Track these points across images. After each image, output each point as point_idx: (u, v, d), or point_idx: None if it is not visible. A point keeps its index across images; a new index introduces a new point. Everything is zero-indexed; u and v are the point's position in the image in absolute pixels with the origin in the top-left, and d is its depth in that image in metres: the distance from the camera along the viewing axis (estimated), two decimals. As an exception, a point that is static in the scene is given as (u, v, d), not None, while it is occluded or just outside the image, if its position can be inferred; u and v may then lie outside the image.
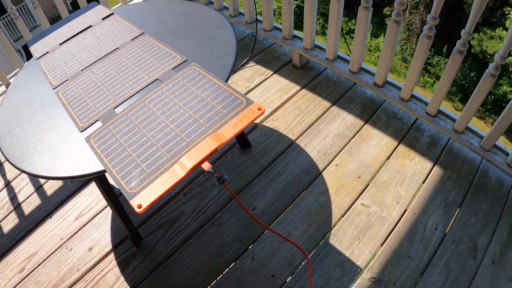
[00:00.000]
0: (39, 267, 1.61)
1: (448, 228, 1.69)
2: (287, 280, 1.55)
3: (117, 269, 1.59)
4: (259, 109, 1.05)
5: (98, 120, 1.15)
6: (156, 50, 1.38)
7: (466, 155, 1.92)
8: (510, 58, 13.62)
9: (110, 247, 1.64)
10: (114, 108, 1.18)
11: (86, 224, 1.73)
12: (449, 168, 1.87)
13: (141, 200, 0.91)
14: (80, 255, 1.63)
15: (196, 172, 1.85)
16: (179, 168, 0.95)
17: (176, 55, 1.33)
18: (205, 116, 1.08)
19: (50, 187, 1.89)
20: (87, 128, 1.14)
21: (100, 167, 1.03)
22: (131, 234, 1.61)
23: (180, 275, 1.57)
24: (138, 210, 0.88)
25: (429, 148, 1.94)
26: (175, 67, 1.28)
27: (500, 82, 13.37)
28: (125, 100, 1.21)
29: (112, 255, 1.62)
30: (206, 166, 0.99)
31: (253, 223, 1.69)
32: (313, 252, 1.62)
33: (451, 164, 1.88)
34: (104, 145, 1.07)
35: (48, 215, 1.77)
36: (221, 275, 1.56)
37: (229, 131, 1.02)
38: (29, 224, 1.75)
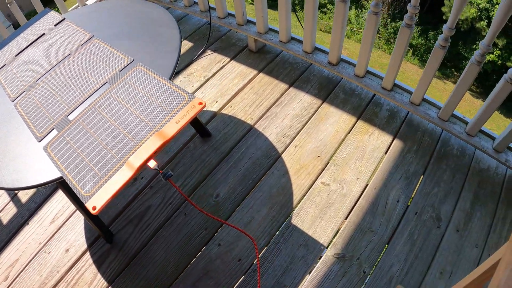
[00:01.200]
0: (22, 273, 1.56)
1: (410, 199, 1.67)
2: (254, 263, 1.52)
3: (93, 267, 1.55)
4: (200, 103, 1.06)
5: (53, 129, 1.15)
6: (105, 53, 1.34)
7: (426, 126, 1.89)
8: (482, 22, 13.65)
9: (85, 246, 1.60)
10: (68, 116, 1.17)
11: (61, 227, 1.67)
12: (409, 141, 1.84)
13: (95, 202, 0.92)
14: (58, 257, 1.58)
15: (159, 166, 1.79)
16: (128, 168, 0.97)
17: (123, 56, 1.30)
18: (150, 115, 1.08)
19: (25, 195, 1.82)
20: (44, 137, 1.14)
21: (58, 174, 1.05)
22: (103, 232, 1.57)
23: (152, 266, 1.53)
24: (93, 212, 0.90)
25: (388, 122, 1.90)
26: (123, 68, 1.26)
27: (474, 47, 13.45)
28: (77, 107, 1.19)
29: (88, 254, 1.58)
30: (152, 163, 1.00)
31: (216, 210, 1.65)
32: (277, 233, 1.58)
33: (411, 136, 1.85)
34: (60, 152, 1.07)
35: (25, 221, 1.71)
36: (190, 263, 1.53)
37: (172, 128, 1.03)
38: (8, 233, 1.69)
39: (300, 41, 2.07)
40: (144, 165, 0.99)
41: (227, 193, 1.69)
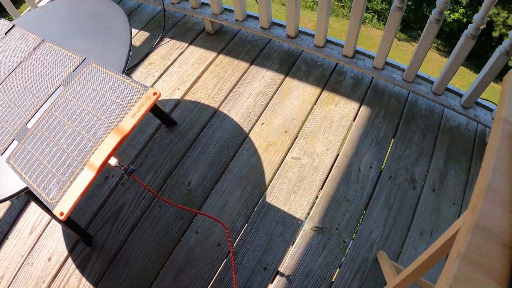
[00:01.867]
0: (9, 289, 1.50)
1: (383, 164, 1.63)
2: (234, 245, 1.47)
3: (77, 272, 1.50)
4: (155, 93, 1.04)
5: (14, 140, 1.11)
6: (57, 55, 1.28)
7: (392, 89, 1.85)
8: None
9: (66, 252, 1.54)
10: (26, 124, 1.13)
11: (40, 236, 1.60)
12: (376, 106, 1.79)
13: (62, 207, 0.91)
14: (42, 267, 1.52)
15: (128, 159, 1.71)
16: (89, 169, 0.95)
17: (75, 56, 1.24)
18: (106, 112, 1.05)
19: (0, 209, 1.74)
20: (6, 150, 1.11)
21: (24, 185, 1.03)
22: (81, 236, 1.52)
23: (134, 262, 1.48)
24: (61, 218, 0.89)
25: (353, 89, 1.85)
26: (75, 68, 1.21)
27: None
28: (34, 114, 1.15)
29: (70, 260, 1.53)
30: (112, 161, 0.98)
31: (190, 198, 1.59)
32: (252, 214, 1.53)
33: (378, 101, 1.80)
34: (22, 163, 1.05)
35: (4, 236, 1.63)
36: (170, 255, 1.49)
37: (129, 122, 1.00)
38: (-10, 251, 1.61)
39: (256, 18, 1.99)
40: (105, 163, 0.96)
41: (199, 179, 1.63)
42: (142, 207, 1.60)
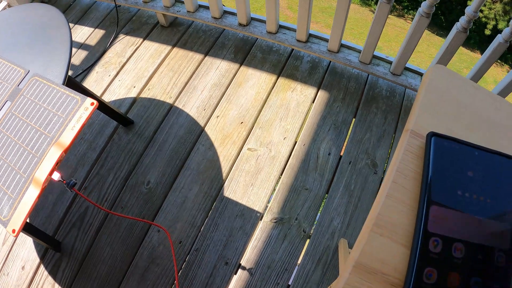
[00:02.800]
0: (-12, 301, 1.48)
1: (343, 150, 1.57)
2: (195, 242, 1.44)
3: (50, 278, 1.47)
4: (92, 104, 1.02)
5: None
6: (2, 69, 1.22)
7: (350, 72, 1.78)
8: None
9: (38, 260, 1.50)
10: None
11: (13, 246, 1.56)
12: (334, 89, 1.72)
13: (14, 225, 0.91)
14: (16, 276, 1.49)
15: (89, 163, 1.65)
16: (34, 186, 0.95)
17: (19, 69, 1.19)
18: (49, 126, 1.04)
19: None
20: None
21: None
22: (49, 243, 1.49)
23: (102, 264, 1.45)
24: (13, 235, 0.89)
25: (310, 74, 1.78)
26: (20, 82, 1.16)
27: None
28: None
29: (42, 267, 1.49)
30: (55, 176, 0.97)
31: (150, 197, 1.54)
32: (212, 209, 1.49)
33: (336, 85, 1.74)
34: None
35: None
36: (136, 254, 1.45)
37: (69, 136, 0.99)
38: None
39: (208, 8, 1.90)
40: (48, 178, 0.96)
41: (158, 177, 1.58)
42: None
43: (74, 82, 1.40)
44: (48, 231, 1.56)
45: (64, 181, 1.00)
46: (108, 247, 1.48)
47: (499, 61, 12.79)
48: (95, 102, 1.02)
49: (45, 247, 1.53)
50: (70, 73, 1.92)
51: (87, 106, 1.02)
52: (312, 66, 1.80)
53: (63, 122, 1.02)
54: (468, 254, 0.42)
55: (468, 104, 0.54)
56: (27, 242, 1.56)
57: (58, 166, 0.98)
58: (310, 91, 1.72)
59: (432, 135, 0.47)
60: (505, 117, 0.54)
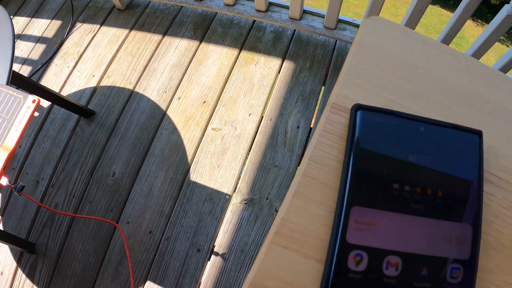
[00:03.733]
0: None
1: (312, 121, 1.46)
2: (165, 230, 1.35)
3: (28, 281, 1.40)
4: (34, 101, 0.98)
5: None
6: None
7: (317, 39, 1.65)
8: None
9: (15, 263, 1.43)
10: None
11: None
12: (300, 59, 1.60)
13: None
14: None
15: (54, 159, 1.55)
16: None
17: None
18: None
19: None
20: None
21: None
22: (23, 246, 1.42)
23: (76, 261, 1.38)
24: None
25: (274, 44, 1.65)
26: None
27: None
28: None
29: (20, 270, 1.43)
30: (3, 181, 0.93)
31: (117, 188, 1.45)
32: (179, 195, 1.39)
33: (303, 54, 1.61)
34: None
35: None
36: (108, 248, 1.37)
37: (13, 137, 0.95)
38: None
39: (162, -16, 1.76)
40: None
41: (123, 167, 1.48)
42: (74, 205, 1.47)
43: (23, 79, 1.29)
44: (21, 233, 1.48)
45: (12, 185, 0.95)
46: (80, 244, 1.41)
47: (479, 21, 12.45)
48: (37, 99, 0.97)
49: (20, 250, 1.46)
50: (29, 69, 1.80)
51: (29, 105, 0.97)
52: (276, 36, 1.67)
53: (7, 124, 0.96)
54: (407, 270, 0.30)
55: (418, 64, 0.41)
56: (2, 247, 1.49)
57: (6, 170, 0.93)
58: (274, 62, 1.60)
59: (357, 108, 0.34)
60: (470, 80, 0.41)
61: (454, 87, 0.40)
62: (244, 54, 1.63)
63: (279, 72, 1.58)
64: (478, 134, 0.35)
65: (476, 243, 0.32)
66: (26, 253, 1.45)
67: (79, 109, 1.55)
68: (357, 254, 0.30)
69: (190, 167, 1.42)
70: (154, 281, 1.33)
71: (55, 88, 1.69)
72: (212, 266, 1.29)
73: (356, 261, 0.29)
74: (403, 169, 0.32)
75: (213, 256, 1.31)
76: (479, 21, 12.42)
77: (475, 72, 0.42)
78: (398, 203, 0.31)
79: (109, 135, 1.55)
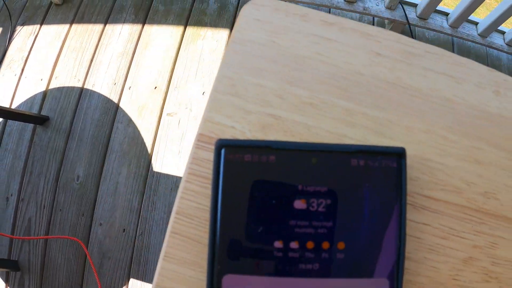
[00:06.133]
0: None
1: None
2: (137, 226, 1.27)
3: None
4: None
5: None
6: None
7: None
8: None
9: (4, 284, 1.38)
10: None
11: None
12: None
13: None
14: None
15: (18, 173, 1.46)
16: None
17: None
18: None
19: None
20: None
21: None
22: (7, 266, 1.37)
23: (59, 271, 1.32)
24: None
25: (219, 15, 1.51)
26: None
27: None
28: None
29: None
30: None
31: (84, 192, 1.36)
32: (146, 188, 1.31)
33: (251, 17, 1.47)
34: None
35: None
36: (86, 254, 1.30)
37: None
38: None
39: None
40: None
41: (86, 170, 1.38)
42: (47, 216, 1.39)
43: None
44: (2, 253, 1.41)
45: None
46: (59, 253, 1.34)
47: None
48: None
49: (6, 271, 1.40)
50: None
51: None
52: (221, 5, 1.53)
53: None
54: None
55: (315, 58, 0.30)
56: (-12, 272, 1.43)
57: None
58: (222, 34, 1.46)
59: (220, 145, 0.25)
60: (391, 66, 0.30)
61: (366, 83, 0.29)
62: (190, 30, 1.49)
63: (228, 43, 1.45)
64: (399, 153, 0.25)
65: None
66: (12, 271, 1.39)
67: (32, 118, 1.44)
68: None
69: (151, 158, 1.32)
70: (137, 277, 1.27)
71: (6, 100, 1.57)
72: (190, 254, 1.22)
73: None
74: (287, 221, 0.23)
75: (189, 244, 1.23)
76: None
77: (397, 54, 0.30)
78: (283, 265, 0.22)
79: (66, 138, 1.44)
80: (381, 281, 0.23)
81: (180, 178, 1.28)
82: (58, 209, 1.38)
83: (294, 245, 0.23)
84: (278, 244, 0.22)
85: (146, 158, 1.32)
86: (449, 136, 0.29)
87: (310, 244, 0.23)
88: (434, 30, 1.46)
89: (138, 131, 1.36)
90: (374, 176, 0.24)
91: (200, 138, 0.27)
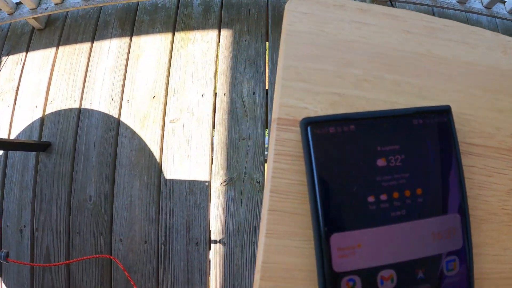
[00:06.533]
0: None
1: (267, 83, 1.38)
2: (158, 236, 1.28)
3: None
4: None
5: None
6: None
7: (247, -2, 1.52)
8: None
9: None
10: None
11: None
12: (237, 23, 1.48)
13: None
14: None
15: (28, 203, 1.44)
16: None
17: None
18: None
19: None
20: None
21: None
22: None
23: None
24: None
25: (205, 17, 1.52)
26: None
27: None
28: None
29: None
30: None
31: (98, 211, 1.36)
32: (160, 197, 1.31)
33: (237, 18, 1.49)
34: None
35: None
36: (111, 271, 1.31)
37: None
38: None
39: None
40: None
41: (97, 188, 1.38)
42: (65, 241, 1.39)
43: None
44: (25, 286, 1.40)
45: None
46: (84, 275, 1.34)
47: None
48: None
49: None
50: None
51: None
52: (205, 7, 1.53)
53: None
54: (403, 279, 0.26)
55: (360, 41, 0.34)
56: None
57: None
58: (211, 35, 1.47)
59: (305, 123, 0.28)
60: (418, 42, 0.35)
61: (404, 57, 0.34)
62: (179, 35, 1.49)
63: (218, 42, 1.46)
64: (446, 110, 0.30)
65: (467, 229, 0.27)
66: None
67: (33, 145, 1.43)
68: (349, 280, 0.26)
69: (161, 166, 1.32)
70: (166, 286, 1.27)
71: (3, 132, 1.55)
72: (215, 255, 1.23)
73: (350, 287, 0.26)
74: (374, 177, 0.27)
75: (212, 245, 1.24)
76: None
77: (422, 30, 0.35)
78: (377, 216, 0.26)
79: (72, 160, 1.43)
80: (454, 216, 0.27)
81: (193, 181, 1.28)
82: (75, 232, 1.37)
83: (383, 197, 0.26)
84: (371, 198, 0.26)
85: (156, 167, 1.32)
86: (475, 92, 0.34)
87: (395, 194, 0.26)
88: (414, 3, 1.49)
89: (144, 142, 1.36)
90: (432, 130, 0.29)
91: (279, 122, 0.30)
